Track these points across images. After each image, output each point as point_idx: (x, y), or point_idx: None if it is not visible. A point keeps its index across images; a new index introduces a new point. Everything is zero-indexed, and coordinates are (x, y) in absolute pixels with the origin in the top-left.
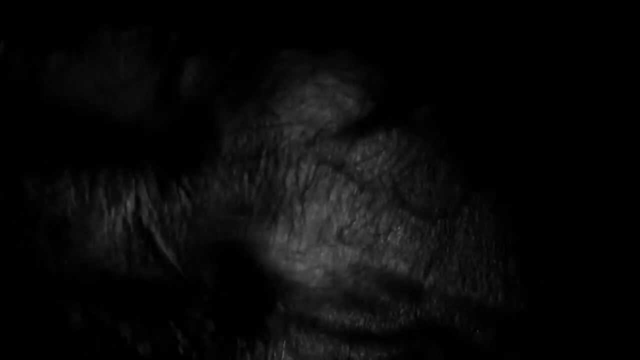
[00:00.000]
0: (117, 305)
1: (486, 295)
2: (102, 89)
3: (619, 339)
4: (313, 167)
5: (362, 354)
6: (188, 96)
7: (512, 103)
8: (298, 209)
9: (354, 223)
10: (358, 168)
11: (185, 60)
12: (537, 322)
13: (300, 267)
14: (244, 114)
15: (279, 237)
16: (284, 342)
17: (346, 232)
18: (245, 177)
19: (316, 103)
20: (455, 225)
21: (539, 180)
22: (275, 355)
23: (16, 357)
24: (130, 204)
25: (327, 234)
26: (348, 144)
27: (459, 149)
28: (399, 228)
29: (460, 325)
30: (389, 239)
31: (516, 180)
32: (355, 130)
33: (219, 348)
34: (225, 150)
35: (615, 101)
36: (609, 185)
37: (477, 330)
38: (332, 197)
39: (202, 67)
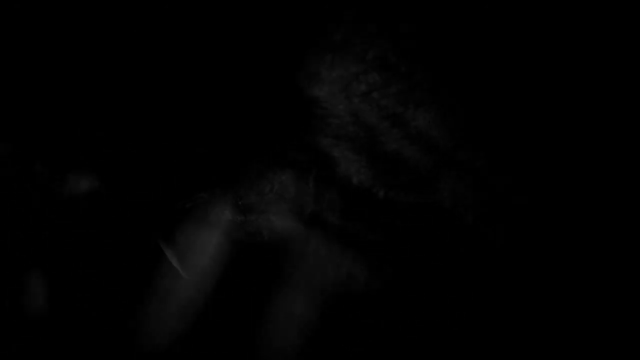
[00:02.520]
0: None
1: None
2: None
3: None
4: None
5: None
6: None
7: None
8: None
9: (382, 90)
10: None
11: None
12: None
13: (324, 93)
14: None
15: (312, 67)
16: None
17: (374, 94)
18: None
19: None
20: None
21: None
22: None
23: None
24: None
25: (354, 89)
26: None
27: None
28: (426, 112)
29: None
30: (415, 114)
31: None
32: None
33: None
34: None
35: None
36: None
37: None
38: (369, 57)
39: None
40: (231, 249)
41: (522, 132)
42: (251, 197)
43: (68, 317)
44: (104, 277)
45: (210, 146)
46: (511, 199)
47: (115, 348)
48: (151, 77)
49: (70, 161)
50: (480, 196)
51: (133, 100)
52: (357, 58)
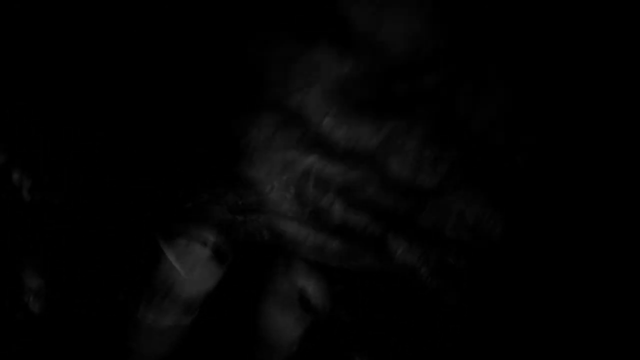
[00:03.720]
0: None
1: None
2: None
3: None
4: None
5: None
6: None
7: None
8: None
9: (321, 170)
10: None
11: None
12: None
13: (262, 175)
14: None
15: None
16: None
17: (313, 173)
18: None
19: None
20: None
21: None
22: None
23: None
24: None
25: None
26: None
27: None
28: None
29: None
30: (359, 188)
31: None
32: None
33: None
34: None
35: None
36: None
37: None
38: (304, 140)
39: None
40: (231, 249)
41: (463, 192)
42: (251, 197)
43: (67, 315)
44: (103, 276)
45: (210, 146)
46: (460, 256)
47: (112, 348)
48: (152, 81)
49: (67, 160)
50: (430, 253)
51: (133, 102)
52: (293, 143)
